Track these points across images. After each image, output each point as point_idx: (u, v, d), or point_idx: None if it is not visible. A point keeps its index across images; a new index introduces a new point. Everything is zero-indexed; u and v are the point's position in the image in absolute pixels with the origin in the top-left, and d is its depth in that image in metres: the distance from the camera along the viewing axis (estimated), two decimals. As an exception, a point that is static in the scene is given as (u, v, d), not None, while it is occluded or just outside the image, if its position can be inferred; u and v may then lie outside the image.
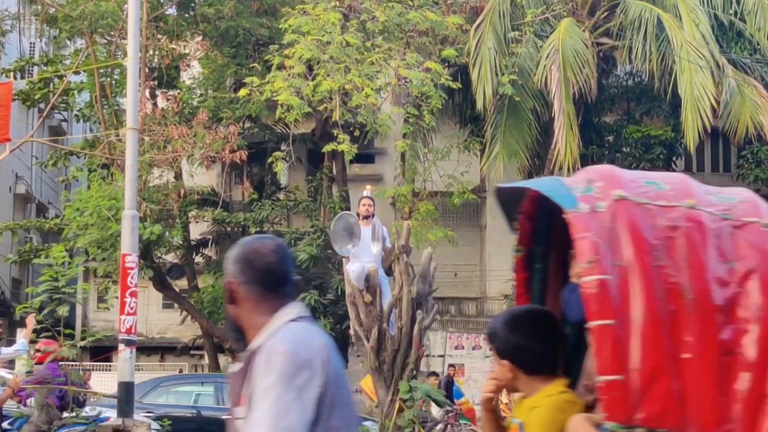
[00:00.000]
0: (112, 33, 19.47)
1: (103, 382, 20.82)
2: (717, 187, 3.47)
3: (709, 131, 19.89)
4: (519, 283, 3.90)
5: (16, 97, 20.72)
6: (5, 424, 10.36)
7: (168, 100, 20.64)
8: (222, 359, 23.37)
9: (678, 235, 3.11)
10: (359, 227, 10.43)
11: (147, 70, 19.47)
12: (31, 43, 28.14)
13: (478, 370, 24.66)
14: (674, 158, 23.53)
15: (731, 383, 3.04)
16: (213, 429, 13.83)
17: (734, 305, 3.09)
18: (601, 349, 3.00)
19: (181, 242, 21.66)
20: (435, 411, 14.19)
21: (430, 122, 17.26)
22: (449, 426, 13.84)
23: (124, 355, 10.99)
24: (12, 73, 24.16)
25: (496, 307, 25.70)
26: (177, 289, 22.46)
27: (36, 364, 10.14)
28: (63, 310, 10.45)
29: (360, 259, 10.55)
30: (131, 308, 11.10)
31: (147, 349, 26.57)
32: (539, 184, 3.67)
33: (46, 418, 10.11)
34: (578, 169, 20.27)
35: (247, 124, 22.35)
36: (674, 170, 23.68)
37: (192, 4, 21.35)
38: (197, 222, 23.59)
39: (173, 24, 20.24)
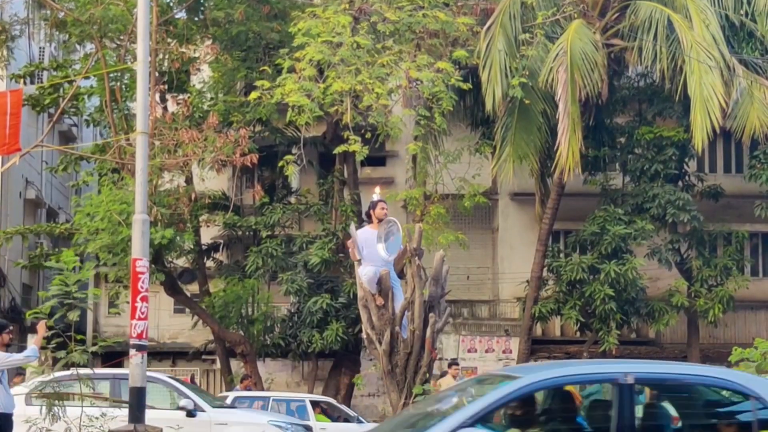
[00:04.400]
0: (122, 37, 19.44)
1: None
2: None
3: (720, 132, 19.83)
4: None
5: (25, 102, 20.72)
6: None
7: (178, 104, 20.63)
8: (234, 364, 23.34)
9: None
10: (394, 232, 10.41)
11: (157, 74, 19.46)
12: (40, 47, 28.17)
13: (491, 374, 24.57)
14: (686, 159, 23.40)
15: None
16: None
17: None
18: None
19: (192, 246, 21.63)
20: None
21: (441, 124, 17.21)
22: None
23: (136, 360, 10.92)
24: (21, 79, 24.26)
25: (508, 310, 25.64)
26: (188, 294, 22.43)
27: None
28: (74, 316, 10.41)
29: (372, 262, 10.48)
30: (142, 313, 11.04)
31: (158, 354, 26.53)
32: None
33: None
34: (580, 171, 20.40)
35: (258, 128, 22.33)
36: (686, 171, 23.57)
37: (202, 8, 21.34)
38: (208, 226, 23.56)
39: (183, 28, 20.22)
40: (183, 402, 14.03)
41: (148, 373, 12.82)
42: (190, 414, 13.89)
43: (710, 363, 24.66)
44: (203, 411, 14.10)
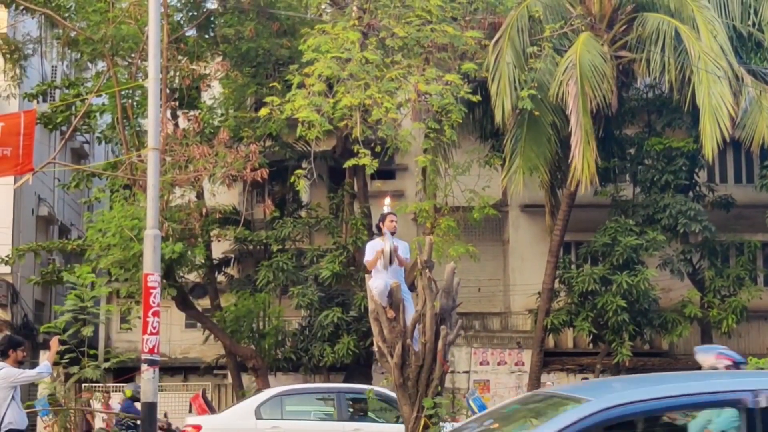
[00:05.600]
0: (133, 55, 19.59)
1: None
2: None
3: (729, 142, 19.79)
4: None
5: (38, 120, 20.87)
6: None
7: (189, 120, 20.74)
8: (245, 378, 23.36)
9: None
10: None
11: (168, 91, 19.59)
12: (53, 66, 28.40)
13: (504, 386, 24.52)
14: (697, 170, 23.38)
15: None
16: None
17: None
18: None
19: (203, 261, 21.71)
20: None
21: (450, 137, 17.22)
22: None
23: (147, 375, 10.97)
24: (34, 98, 24.44)
25: (520, 322, 25.59)
26: (199, 309, 22.48)
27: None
28: (87, 331, 10.49)
29: (382, 275, 10.51)
30: (154, 328, 11.09)
31: (170, 369, 26.59)
32: None
33: None
34: (596, 183, 20.44)
35: (268, 143, 22.43)
36: (697, 181, 23.53)
37: (212, 26, 21.49)
38: (219, 241, 23.64)
39: (193, 45, 20.37)
40: None
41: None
42: None
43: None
44: None
